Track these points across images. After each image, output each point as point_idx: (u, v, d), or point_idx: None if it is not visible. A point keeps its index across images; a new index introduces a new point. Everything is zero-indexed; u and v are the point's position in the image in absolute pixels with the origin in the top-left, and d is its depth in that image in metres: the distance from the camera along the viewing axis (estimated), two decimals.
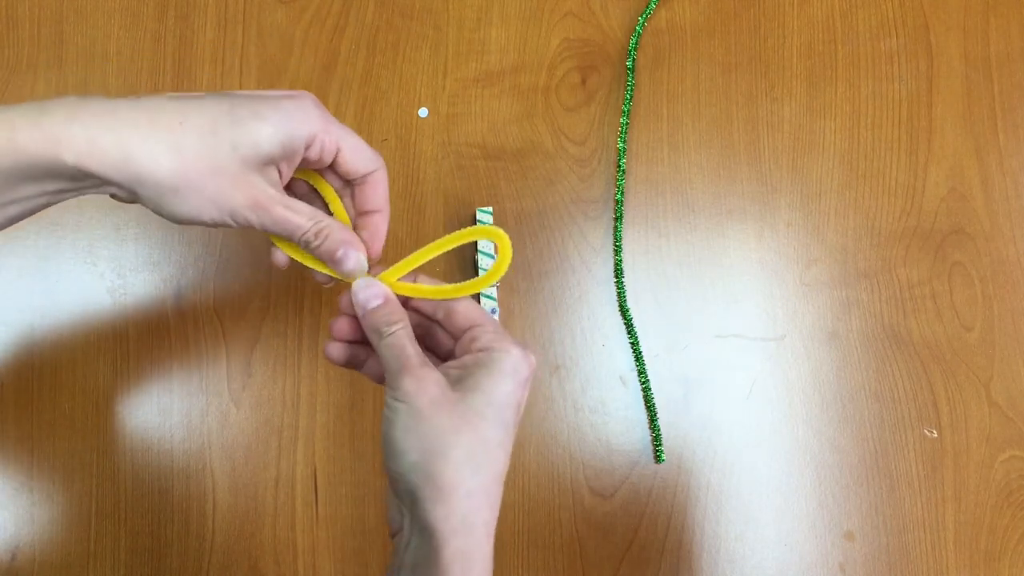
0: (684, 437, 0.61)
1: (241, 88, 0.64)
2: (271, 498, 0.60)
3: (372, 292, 0.44)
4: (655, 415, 0.61)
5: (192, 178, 0.39)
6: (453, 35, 0.66)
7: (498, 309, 0.61)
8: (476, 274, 0.61)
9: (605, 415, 0.61)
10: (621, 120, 0.65)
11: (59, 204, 0.40)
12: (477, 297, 0.61)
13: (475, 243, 0.61)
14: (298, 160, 0.43)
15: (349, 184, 0.46)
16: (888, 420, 0.62)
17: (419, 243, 0.63)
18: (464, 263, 0.62)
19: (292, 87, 0.64)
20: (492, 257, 0.60)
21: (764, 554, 0.60)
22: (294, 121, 0.41)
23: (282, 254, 0.46)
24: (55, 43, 0.65)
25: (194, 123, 0.39)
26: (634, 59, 0.66)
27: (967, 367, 0.63)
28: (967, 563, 0.60)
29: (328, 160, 0.44)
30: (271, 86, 0.64)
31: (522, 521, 0.60)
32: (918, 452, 0.61)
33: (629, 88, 0.65)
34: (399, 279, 0.46)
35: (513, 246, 0.45)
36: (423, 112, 0.65)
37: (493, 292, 0.60)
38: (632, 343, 0.62)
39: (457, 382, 0.41)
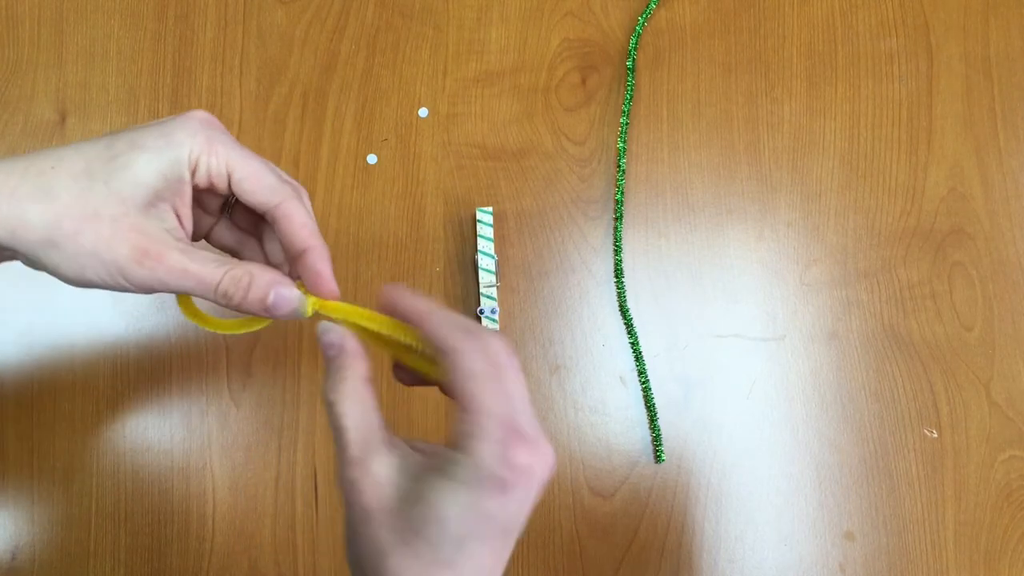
0: (684, 437, 0.61)
1: (240, 87, 0.65)
2: (271, 498, 0.60)
3: (327, 339, 0.37)
4: (655, 415, 0.61)
5: (67, 228, 0.34)
6: (453, 35, 0.66)
7: (498, 309, 0.61)
8: (476, 274, 0.61)
9: (605, 415, 0.61)
10: (621, 120, 0.65)
11: None
12: (478, 299, 0.61)
13: (475, 243, 0.61)
14: (188, 191, 0.36)
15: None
16: (888, 420, 0.62)
17: (419, 243, 0.63)
18: (464, 263, 0.62)
19: (292, 87, 0.65)
20: (492, 257, 0.60)
21: (764, 554, 0.60)
22: (173, 143, 0.35)
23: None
24: (55, 43, 0.65)
25: (68, 165, 0.34)
26: (634, 59, 0.66)
27: (967, 367, 0.63)
28: (967, 563, 0.60)
29: (221, 186, 0.37)
30: (271, 86, 0.65)
31: None
32: (918, 452, 0.61)
33: (629, 88, 0.65)
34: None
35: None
36: (423, 112, 0.65)
37: (493, 292, 0.60)
38: (632, 343, 0.62)
39: (414, 479, 0.33)
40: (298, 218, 0.38)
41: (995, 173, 0.65)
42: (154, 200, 0.35)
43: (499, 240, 0.63)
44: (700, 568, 0.60)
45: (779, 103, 0.66)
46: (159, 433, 0.60)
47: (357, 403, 0.35)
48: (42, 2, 0.65)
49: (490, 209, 0.61)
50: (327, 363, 0.36)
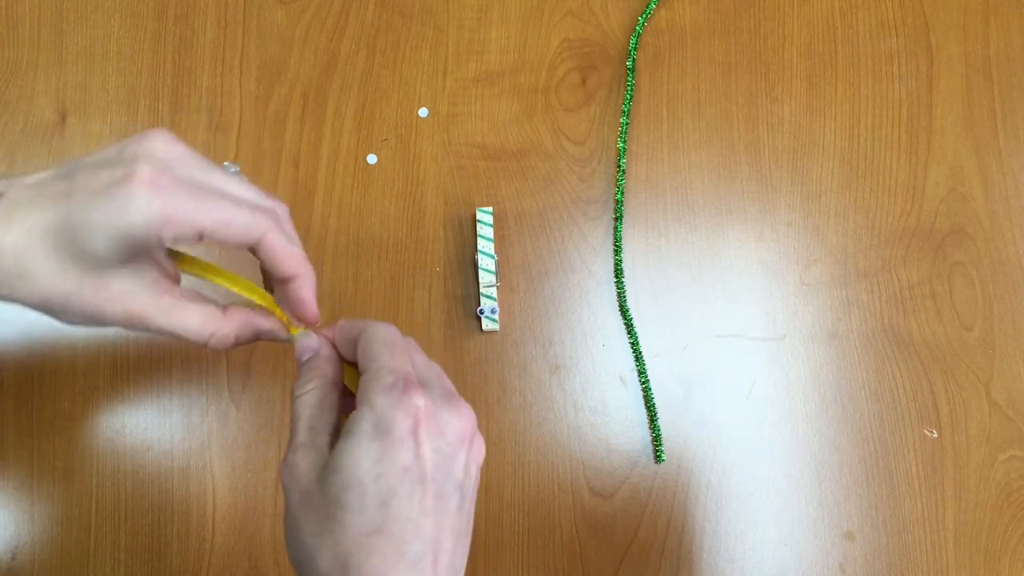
0: (684, 437, 0.61)
1: (240, 87, 0.64)
2: (271, 498, 0.60)
3: (305, 343, 0.39)
4: (655, 415, 0.61)
5: (56, 303, 0.34)
6: (453, 35, 0.66)
7: (498, 309, 0.61)
8: (476, 274, 0.61)
9: (605, 415, 0.61)
10: (621, 120, 0.65)
11: None
12: (478, 299, 0.61)
13: (475, 243, 0.61)
14: (160, 255, 0.36)
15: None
16: (888, 420, 0.62)
17: (419, 243, 0.63)
18: (464, 263, 0.62)
19: (292, 87, 0.65)
20: (492, 257, 0.60)
21: (764, 554, 0.60)
22: (129, 219, 0.32)
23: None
24: (55, 43, 0.65)
25: (39, 242, 0.33)
26: (634, 59, 0.66)
27: (967, 367, 0.62)
28: (967, 563, 0.60)
29: (193, 241, 0.35)
30: (271, 86, 0.64)
31: (522, 521, 0.60)
32: (918, 452, 0.61)
33: (629, 88, 0.65)
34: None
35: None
36: (423, 112, 0.65)
37: (493, 292, 0.60)
38: (632, 343, 0.62)
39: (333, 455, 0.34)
40: (280, 250, 0.36)
41: (995, 173, 0.65)
42: (128, 260, 0.34)
43: (499, 240, 0.63)
44: (700, 568, 0.60)
45: (779, 103, 0.66)
46: (159, 433, 0.60)
47: (318, 399, 0.36)
48: (42, 2, 0.65)
49: (490, 209, 0.61)
50: (301, 367, 0.37)
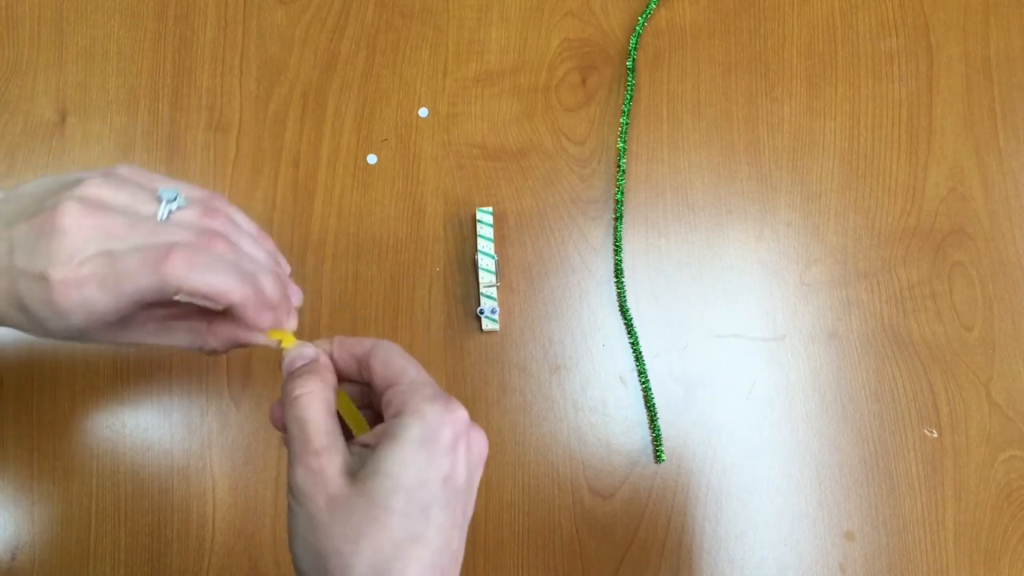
0: (684, 437, 0.61)
1: (240, 87, 0.64)
2: (271, 498, 0.60)
3: (298, 351, 0.38)
4: (655, 415, 0.61)
5: (81, 329, 0.34)
6: (453, 35, 0.66)
7: (498, 309, 0.61)
8: (476, 274, 0.61)
9: (605, 415, 0.61)
10: (621, 120, 0.65)
11: None
12: (478, 299, 0.61)
13: (475, 243, 0.61)
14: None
15: None
16: (888, 420, 0.62)
17: (419, 243, 0.63)
18: (464, 263, 0.62)
19: (292, 87, 0.65)
20: (492, 257, 0.60)
21: (764, 554, 0.60)
22: (63, 319, 0.33)
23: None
24: (55, 43, 0.65)
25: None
26: (634, 59, 0.66)
27: (967, 367, 0.62)
28: (967, 563, 0.60)
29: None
30: (271, 86, 0.64)
31: (522, 521, 0.60)
32: (918, 452, 0.61)
33: (629, 88, 0.65)
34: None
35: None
36: (423, 112, 0.65)
37: (493, 292, 0.60)
38: (632, 343, 0.62)
39: (363, 465, 0.33)
40: (250, 310, 0.36)
41: (995, 173, 0.65)
42: (95, 322, 0.34)
43: (499, 240, 0.63)
44: (700, 568, 0.60)
45: (779, 103, 0.66)
46: (159, 433, 0.60)
47: (325, 403, 0.36)
48: (42, 2, 0.65)
49: (490, 209, 0.61)
50: (296, 373, 0.37)
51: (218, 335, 0.38)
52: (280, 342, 0.39)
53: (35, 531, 0.59)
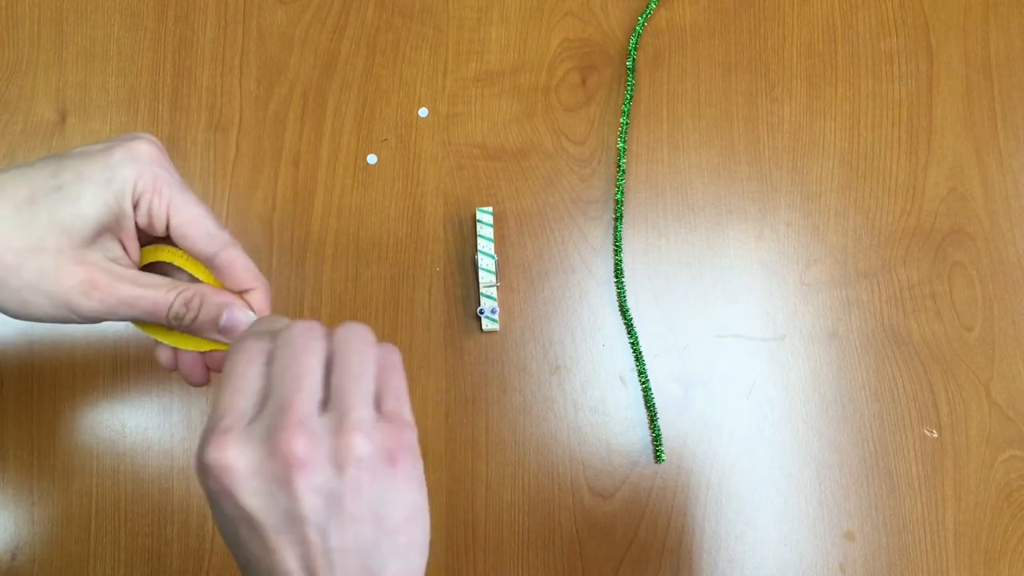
0: (684, 437, 0.61)
1: (240, 87, 0.65)
2: None
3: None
4: (655, 415, 0.61)
5: (8, 261, 0.32)
6: (453, 35, 0.66)
7: (498, 309, 0.61)
8: (476, 274, 0.61)
9: (605, 415, 0.61)
10: (621, 120, 0.65)
11: None
12: (478, 299, 0.61)
13: (475, 243, 0.61)
14: (131, 224, 0.36)
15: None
16: (888, 420, 0.62)
17: (419, 243, 0.63)
18: (464, 263, 0.62)
19: (292, 87, 0.65)
20: (492, 257, 0.60)
21: (764, 554, 0.60)
22: (119, 177, 0.34)
23: (165, 350, 0.38)
24: (55, 43, 0.65)
25: (10, 192, 0.33)
26: (634, 59, 0.66)
27: (967, 367, 0.62)
28: (967, 563, 0.60)
29: (160, 228, 0.36)
30: (271, 86, 0.65)
31: (522, 521, 0.60)
32: (918, 452, 0.61)
33: (629, 88, 0.65)
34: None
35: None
36: (423, 112, 0.65)
37: (493, 292, 0.60)
38: (632, 343, 0.62)
39: None
40: (240, 263, 0.37)
41: (995, 173, 0.65)
42: (99, 231, 0.34)
43: (499, 240, 0.63)
44: (700, 568, 0.60)
45: (779, 103, 0.66)
46: (159, 433, 0.60)
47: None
48: (42, 2, 0.65)
49: (490, 209, 0.61)
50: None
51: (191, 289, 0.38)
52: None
53: (35, 531, 0.59)
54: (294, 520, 0.30)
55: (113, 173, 0.34)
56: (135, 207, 0.35)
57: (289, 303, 0.62)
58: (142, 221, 0.36)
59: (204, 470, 0.30)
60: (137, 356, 0.61)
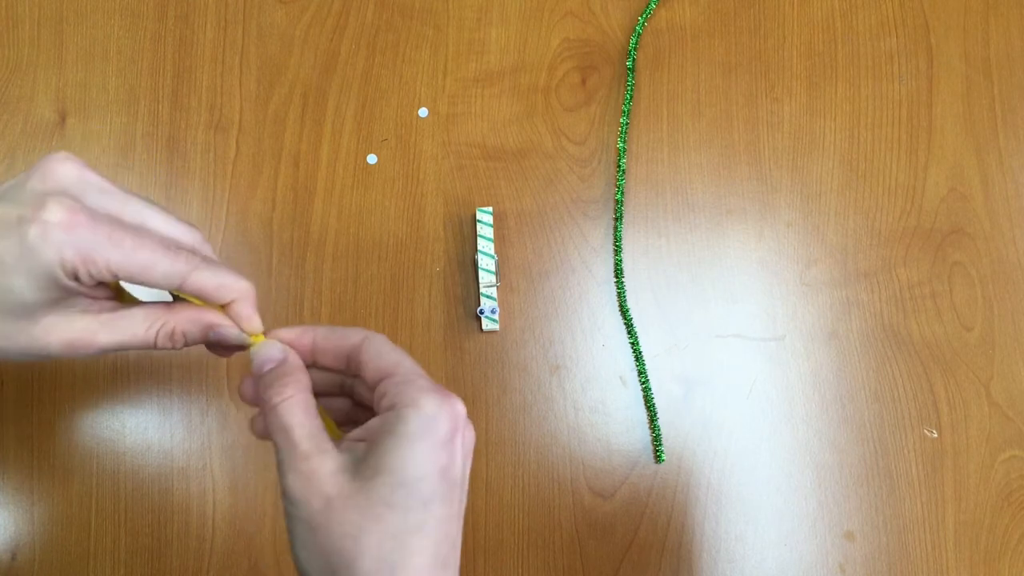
0: (684, 437, 0.61)
1: (240, 87, 0.65)
2: (271, 498, 0.60)
3: (266, 353, 0.37)
4: (655, 415, 0.61)
5: None
6: (453, 35, 0.66)
7: (498, 309, 0.61)
8: (476, 274, 0.61)
9: (605, 415, 0.61)
10: (621, 120, 0.65)
11: None
12: (478, 299, 0.61)
13: (475, 243, 0.61)
14: (79, 288, 0.33)
15: None
16: (888, 420, 0.62)
17: (419, 243, 0.63)
18: (464, 263, 0.62)
19: (292, 87, 0.65)
20: (492, 257, 0.60)
21: (764, 554, 0.60)
22: (42, 260, 0.31)
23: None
24: (55, 43, 0.65)
25: None
26: (634, 59, 0.66)
27: (967, 367, 0.62)
28: (967, 563, 0.60)
29: (113, 283, 0.34)
30: (271, 86, 0.64)
31: (522, 521, 0.60)
32: (918, 452, 0.61)
33: (629, 88, 0.65)
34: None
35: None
36: (423, 112, 0.65)
37: (493, 292, 0.60)
38: (632, 343, 0.62)
39: (361, 461, 0.33)
40: (209, 286, 0.35)
41: (995, 173, 0.65)
42: (50, 304, 0.33)
43: (499, 240, 0.63)
44: (700, 568, 0.60)
45: (779, 103, 0.66)
46: (159, 433, 0.60)
47: (302, 405, 0.35)
48: (42, 2, 0.65)
49: (490, 209, 0.61)
50: (265, 376, 0.36)
51: (179, 312, 0.37)
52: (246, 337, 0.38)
53: (35, 531, 0.59)
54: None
55: (34, 258, 0.31)
56: (75, 279, 0.32)
57: (289, 303, 0.62)
58: (89, 285, 0.33)
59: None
60: (137, 356, 0.61)
